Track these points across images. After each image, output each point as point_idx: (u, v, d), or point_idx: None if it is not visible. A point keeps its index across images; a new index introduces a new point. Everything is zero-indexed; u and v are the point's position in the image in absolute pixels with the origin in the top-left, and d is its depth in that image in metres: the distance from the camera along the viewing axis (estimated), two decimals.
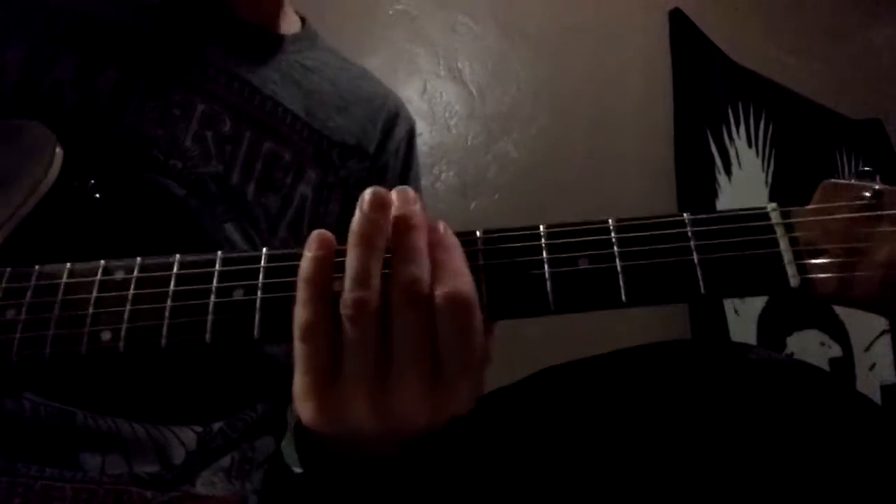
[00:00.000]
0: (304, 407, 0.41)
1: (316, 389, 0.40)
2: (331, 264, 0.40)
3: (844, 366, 1.94)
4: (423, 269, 0.38)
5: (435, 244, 0.40)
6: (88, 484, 0.53)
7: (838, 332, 1.95)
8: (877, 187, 0.40)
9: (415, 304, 0.38)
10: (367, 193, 0.40)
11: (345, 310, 0.38)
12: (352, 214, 0.75)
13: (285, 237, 0.69)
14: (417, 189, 0.82)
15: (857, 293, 0.38)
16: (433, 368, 0.38)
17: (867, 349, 2.01)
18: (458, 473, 0.53)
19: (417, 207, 0.40)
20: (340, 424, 0.40)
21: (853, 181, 0.41)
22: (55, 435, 0.54)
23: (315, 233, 0.41)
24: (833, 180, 0.41)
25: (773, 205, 0.42)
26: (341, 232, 0.75)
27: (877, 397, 1.95)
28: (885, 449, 0.51)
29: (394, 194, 0.41)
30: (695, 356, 0.55)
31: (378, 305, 0.38)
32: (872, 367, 2.01)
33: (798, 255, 0.40)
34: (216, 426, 0.61)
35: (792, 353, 1.79)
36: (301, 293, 0.39)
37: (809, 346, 1.87)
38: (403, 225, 0.40)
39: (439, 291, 0.38)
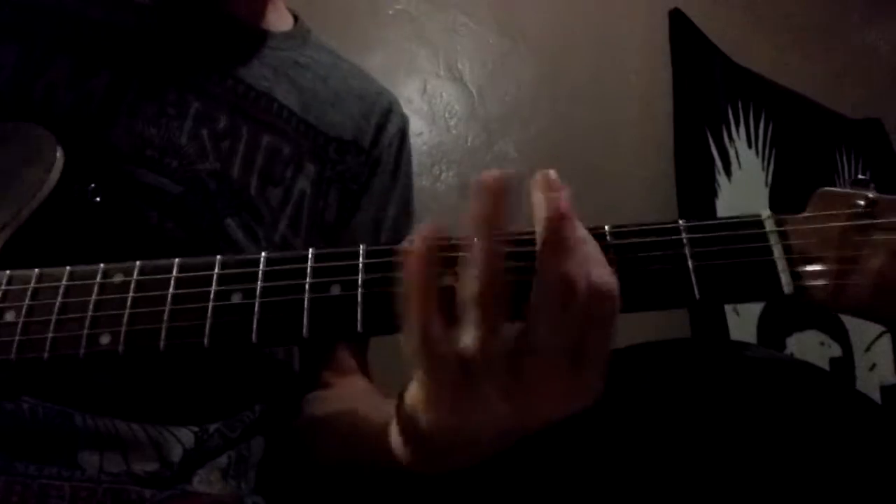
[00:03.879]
0: (430, 414, 0.39)
1: (447, 396, 0.38)
2: (437, 267, 0.37)
3: (844, 366, 1.94)
4: (576, 262, 0.36)
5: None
6: (87, 483, 0.53)
7: (838, 333, 1.95)
8: (871, 196, 0.40)
9: (567, 298, 0.36)
10: (486, 176, 0.37)
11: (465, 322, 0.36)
12: (349, 210, 0.75)
13: (284, 232, 0.69)
14: (409, 187, 0.82)
15: (849, 301, 0.39)
16: (573, 360, 0.37)
17: (867, 349, 2.01)
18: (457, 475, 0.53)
19: (565, 193, 0.38)
20: (469, 427, 0.38)
21: (848, 189, 0.42)
22: (53, 434, 0.54)
23: (419, 235, 0.38)
24: (828, 188, 0.42)
25: (768, 212, 0.42)
26: (341, 229, 0.75)
27: (877, 397, 1.95)
28: (885, 448, 0.51)
29: (537, 178, 0.39)
30: (694, 354, 0.55)
31: (508, 308, 0.36)
32: (872, 367, 2.01)
33: (792, 263, 0.40)
34: (213, 426, 0.62)
35: (792, 354, 1.79)
36: (415, 300, 0.37)
37: (809, 347, 1.87)
38: (554, 214, 0.37)
39: (585, 283, 0.36)
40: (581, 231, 0.39)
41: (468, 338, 0.36)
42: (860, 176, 0.44)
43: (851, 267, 0.39)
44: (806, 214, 0.42)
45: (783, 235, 0.41)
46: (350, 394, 0.70)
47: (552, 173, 0.39)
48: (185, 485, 0.58)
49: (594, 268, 0.37)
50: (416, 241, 0.38)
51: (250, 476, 0.64)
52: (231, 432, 0.63)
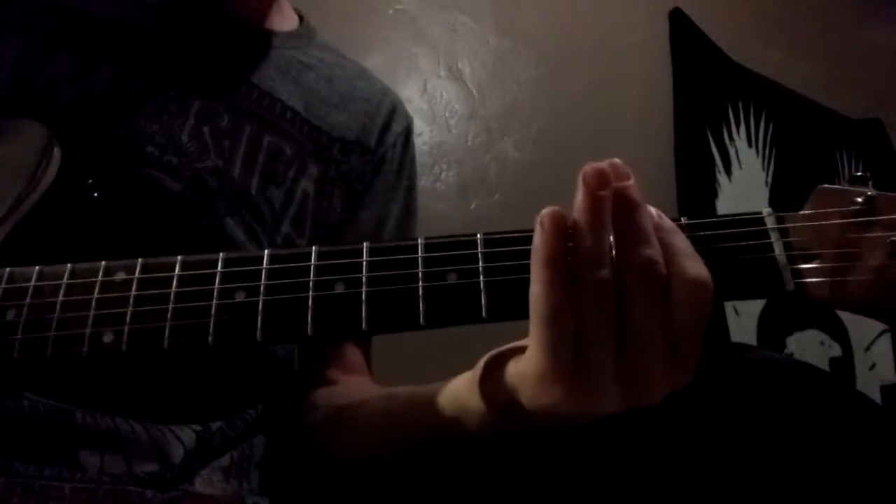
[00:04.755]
0: (549, 389, 0.39)
1: (565, 373, 0.38)
2: (566, 244, 0.38)
3: (844, 366, 1.94)
4: (656, 251, 0.37)
5: (656, 227, 0.39)
6: (87, 484, 0.52)
7: (838, 332, 1.95)
8: (869, 193, 0.40)
9: (654, 286, 0.37)
10: (588, 169, 0.39)
11: (585, 291, 0.37)
12: (353, 209, 0.75)
13: (288, 233, 0.69)
14: (412, 187, 0.82)
15: (849, 297, 0.39)
16: (670, 348, 0.38)
17: (867, 349, 2.01)
18: (457, 473, 0.53)
19: (632, 182, 0.39)
20: (586, 407, 0.38)
21: (846, 186, 0.42)
22: (54, 433, 0.53)
23: (547, 211, 0.39)
24: (827, 185, 0.42)
25: (769, 210, 0.42)
26: (345, 228, 0.75)
27: (877, 397, 1.95)
28: (885, 449, 0.51)
29: (608, 167, 0.39)
30: None
31: (614, 287, 0.37)
32: (872, 367, 2.01)
33: (792, 260, 0.40)
34: (215, 425, 0.61)
35: (792, 353, 1.79)
36: (541, 274, 0.38)
37: (809, 346, 1.87)
38: (626, 204, 0.39)
39: (678, 272, 0.37)
40: (664, 222, 0.40)
41: (585, 315, 0.37)
42: (858, 173, 0.44)
43: (850, 264, 0.39)
44: (805, 212, 0.42)
45: (783, 233, 0.41)
46: (362, 388, 0.70)
47: (617, 161, 0.40)
48: (187, 485, 0.58)
49: (684, 259, 0.38)
50: (546, 221, 0.38)
51: (253, 476, 0.64)
52: (232, 431, 0.63)
